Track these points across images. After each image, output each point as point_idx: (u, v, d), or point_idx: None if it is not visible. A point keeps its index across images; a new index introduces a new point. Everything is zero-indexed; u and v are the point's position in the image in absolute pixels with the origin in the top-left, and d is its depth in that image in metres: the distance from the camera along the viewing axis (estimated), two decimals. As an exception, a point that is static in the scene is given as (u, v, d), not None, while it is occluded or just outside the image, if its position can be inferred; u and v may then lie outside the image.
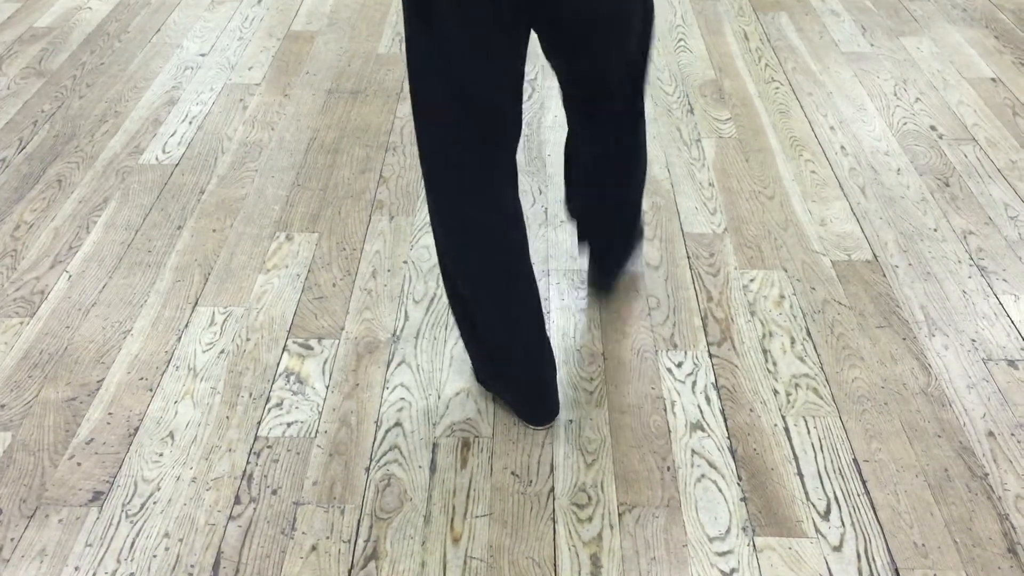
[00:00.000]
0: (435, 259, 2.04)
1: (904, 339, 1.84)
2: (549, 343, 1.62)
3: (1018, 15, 3.13)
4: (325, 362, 1.78)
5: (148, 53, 2.86)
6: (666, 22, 3.09)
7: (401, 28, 3.03)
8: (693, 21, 3.10)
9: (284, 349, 1.81)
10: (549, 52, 1.52)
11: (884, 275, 2.00)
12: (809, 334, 1.85)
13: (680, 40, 2.98)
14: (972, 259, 2.04)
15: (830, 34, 3.01)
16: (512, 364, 1.60)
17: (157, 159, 2.36)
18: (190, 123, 2.52)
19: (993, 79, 2.75)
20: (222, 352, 1.80)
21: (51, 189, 2.24)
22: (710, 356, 1.80)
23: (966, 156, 2.39)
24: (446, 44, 1.36)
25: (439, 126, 1.44)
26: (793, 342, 1.83)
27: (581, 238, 1.90)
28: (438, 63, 1.38)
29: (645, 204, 2.22)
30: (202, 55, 2.86)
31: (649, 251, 2.07)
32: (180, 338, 1.83)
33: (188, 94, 2.65)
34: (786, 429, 1.65)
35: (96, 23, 3.04)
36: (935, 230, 2.13)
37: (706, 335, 1.85)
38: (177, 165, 2.34)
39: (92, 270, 1.99)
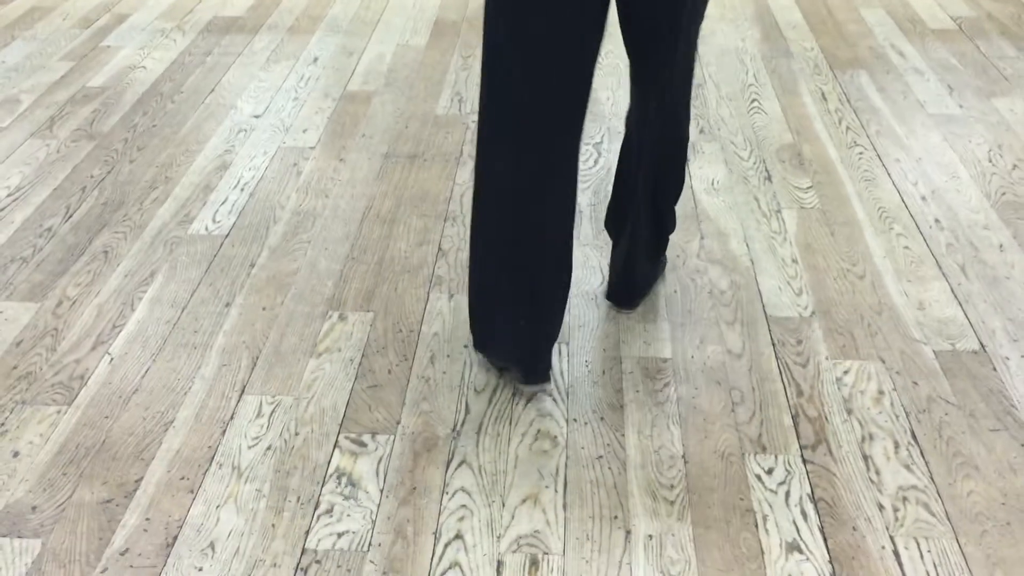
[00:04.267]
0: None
1: (1023, 445, 1.64)
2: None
3: (1117, 73, 2.94)
4: (379, 461, 1.63)
5: (201, 115, 2.78)
6: (738, 81, 2.94)
7: (460, 88, 2.92)
8: (766, 80, 2.95)
9: (336, 446, 1.67)
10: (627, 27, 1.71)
11: (995, 368, 1.81)
12: (915, 437, 1.67)
13: (753, 100, 2.83)
14: (1093, 351, 1.85)
15: (914, 94, 2.84)
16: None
17: (207, 229, 2.26)
18: (242, 190, 2.42)
19: (1097, 144, 2.55)
20: (269, 448, 1.66)
21: (97, 261, 2.14)
22: (804, 462, 1.62)
23: (1075, 231, 2.20)
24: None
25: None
26: (897, 447, 1.65)
27: (615, 245, 1.98)
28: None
29: (723, 283, 2.05)
30: (256, 116, 2.77)
31: (730, 336, 1.91)
32: (225, 432, 1.70)
33: (241, 159, 2.56)
34: (895, 552, 1.46)
35: (150, 83, 2.97)
36: (1048, 316, 1.94)
37: (798, 437, 1.67)
38: (227, 236, 2.23)
39: (135, 352, 1.88)
